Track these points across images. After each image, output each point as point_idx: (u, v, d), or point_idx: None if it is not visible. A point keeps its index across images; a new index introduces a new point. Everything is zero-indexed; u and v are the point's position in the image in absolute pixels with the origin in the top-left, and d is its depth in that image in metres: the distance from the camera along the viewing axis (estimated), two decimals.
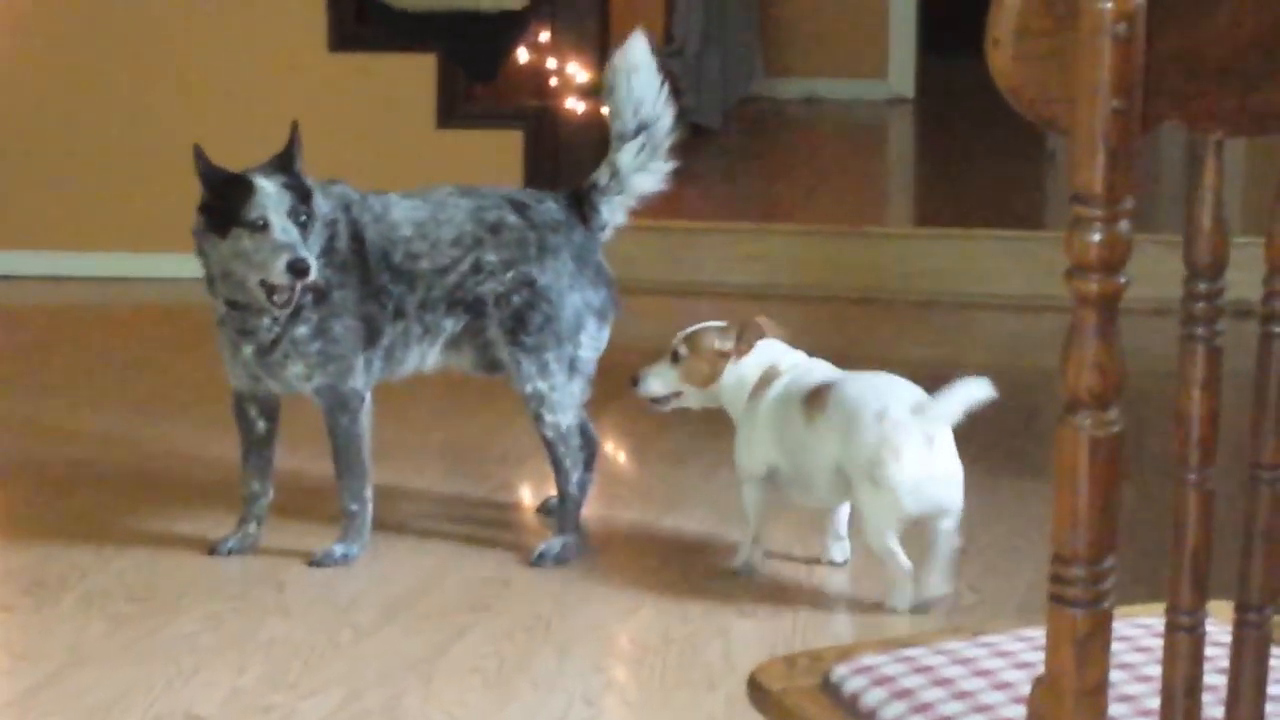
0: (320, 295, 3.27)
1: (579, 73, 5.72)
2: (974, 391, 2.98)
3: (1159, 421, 3.90)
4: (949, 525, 3.09)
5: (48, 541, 3.51)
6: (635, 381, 3.32)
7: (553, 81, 5.74)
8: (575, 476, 3.38)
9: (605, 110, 3.41)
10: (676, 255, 5.48)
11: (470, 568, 3.35)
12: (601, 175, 3.38)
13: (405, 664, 2.95)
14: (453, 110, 5.62)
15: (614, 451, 4.06)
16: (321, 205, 3.27)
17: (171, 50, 5.65)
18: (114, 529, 3.57)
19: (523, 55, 5.80)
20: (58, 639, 3.06)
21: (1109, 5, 1.14)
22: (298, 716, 2.77)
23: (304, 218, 3.21)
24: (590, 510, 3.50)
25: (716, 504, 3.73)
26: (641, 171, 3.37)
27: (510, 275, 3.33)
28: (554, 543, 3.37)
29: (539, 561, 3.34)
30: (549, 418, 3.35)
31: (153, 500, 3.73)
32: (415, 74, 5.59)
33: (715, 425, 3.91)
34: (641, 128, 3.34)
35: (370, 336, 3.32)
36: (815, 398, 3.14)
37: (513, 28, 5.76)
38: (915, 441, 2.99)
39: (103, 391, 4.56)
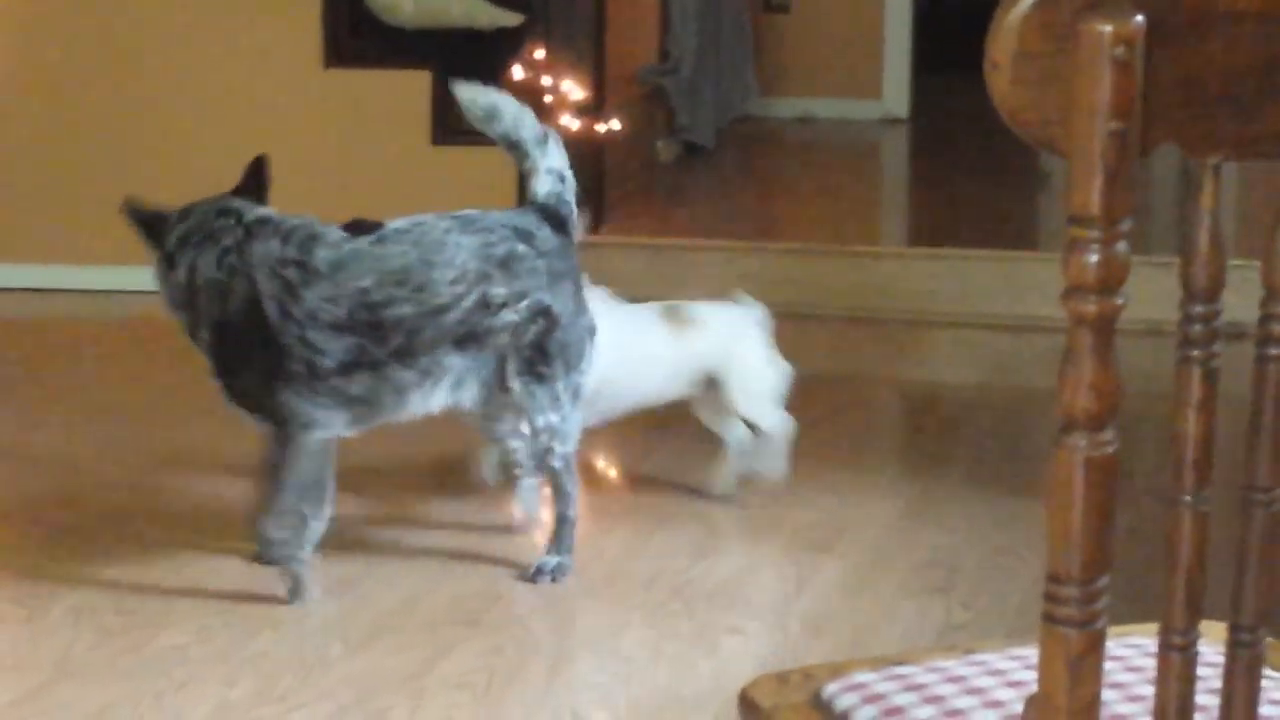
0: (215, 348, 3.26)
1: (574, 90, 5.73)
2: None
3: (1152, 442, 3.91)
4: None
5: (38, 553, 3.51)
6: None
7: (547, 99, 5.75)
8: (574, 498, 3.36)
9: (500, 141, 3.38)
10: (669, 273, 5.48)
11: (460, 583, 3.35)
12: (552, 184, 3.35)
13: (394, 679, 2.94)
14: (447, 127, 5.62)
15: (605, 468, 4.06)
16: (204, 267, 3.25)
17: (165, 65, 5.65)
18: (104, 540, 3.56)
19: (518, 73, 5.81)
20: (46, 650, 3.05)
21: (1108, 28, 1.15)
22: None
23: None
24: (580, 526, 3.50)
25: (706, 521, 3.73)
26: (564, 158, 3.38)
27: (524, 305, 3.28)
28: (549, 559, 3.36)
29: (535, 577, 3.33)
30: (559, 448, 3.33)
31: (143, 512, 3.72)
32: (410, 91, 5.59)
33: (704, 444, 3.92)
34: (545, 135, 3.36)
35: (287, 378, 3.22)
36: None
37: (508, 45, 5.76)
38: None
39: (95, 404, 4.56)
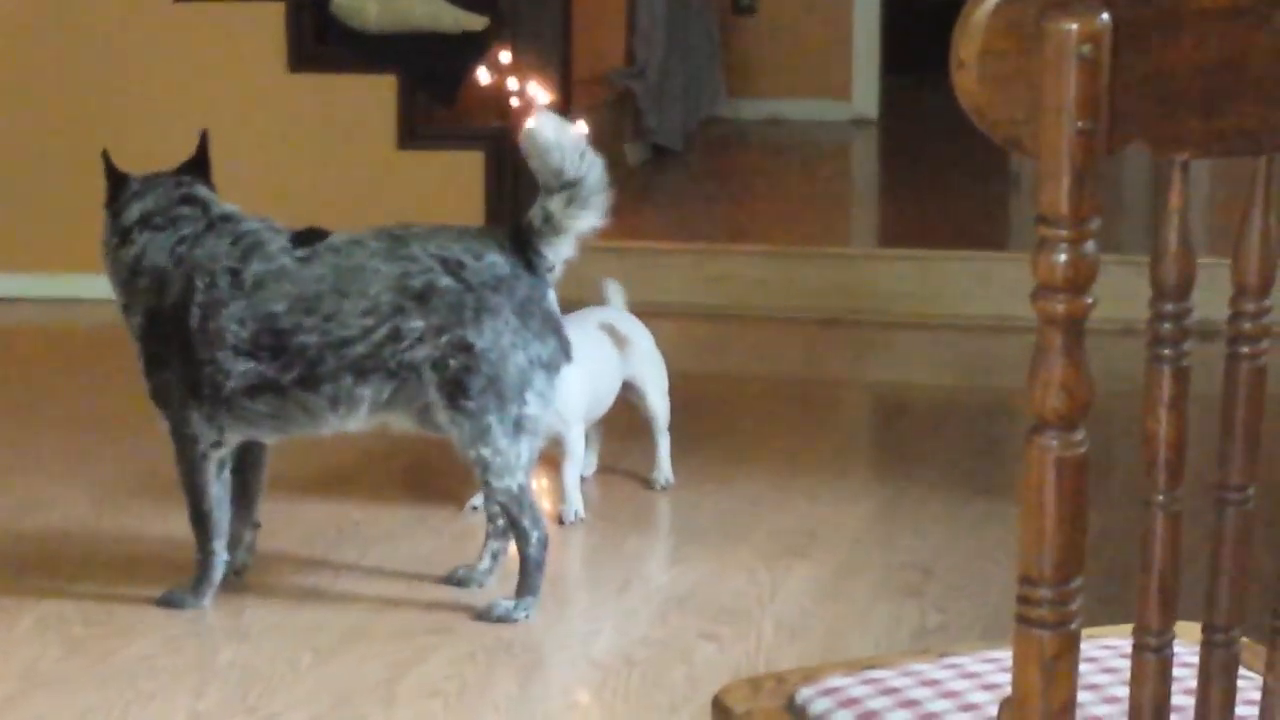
0: (142, 337, 3.25)
1: (540, 93, 5.71)
2: None
3: (1125, 442, 3.91)
4: None
5: (2, 565, 3.48)
6: None
7: (514, 102, 5.74)
8: (535, 536, 3.18)
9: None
10: (639, 276, 5.47)
11: (432, 591, 3.33)
12: (536, 218, 3.16)
13: (366, 687, 2.93)
14: (413, 131, 5.61)
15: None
16: (154, 252, 3.24)
17: (130, 71, 5.63)
18: (71, 551, 3.54)
19: (484, 76, 5.80)
20: (15, 662, 3.03)
21: (1074, 26, 1.14)
22: None
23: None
24: (552, 531, 3.48)
25: (680, 526, 3.73)
26: (574, 219, 3.17)
27: (444, 340, 3.13)
28: (500, 604, 3.19)
29: (481, 616, 3.18)
30: (496, 483, 3.16)
31: (110, 522, 3.70)
32: (375, 95, 5.58)
33: (679, 444, 3.91)
34: (567, 185, 3.14)
35: (197, 396, 3.20)
36: None
37: (473, 49, 5.76)
38: None
39: (60, 414, 4.53)
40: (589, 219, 3.18)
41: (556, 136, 3.15)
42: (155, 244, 3.25)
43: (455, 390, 3.13)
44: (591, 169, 3.16)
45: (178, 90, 5.60)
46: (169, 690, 2.91)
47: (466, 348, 3.13)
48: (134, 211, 3.28)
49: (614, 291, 3.99)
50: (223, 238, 3.23)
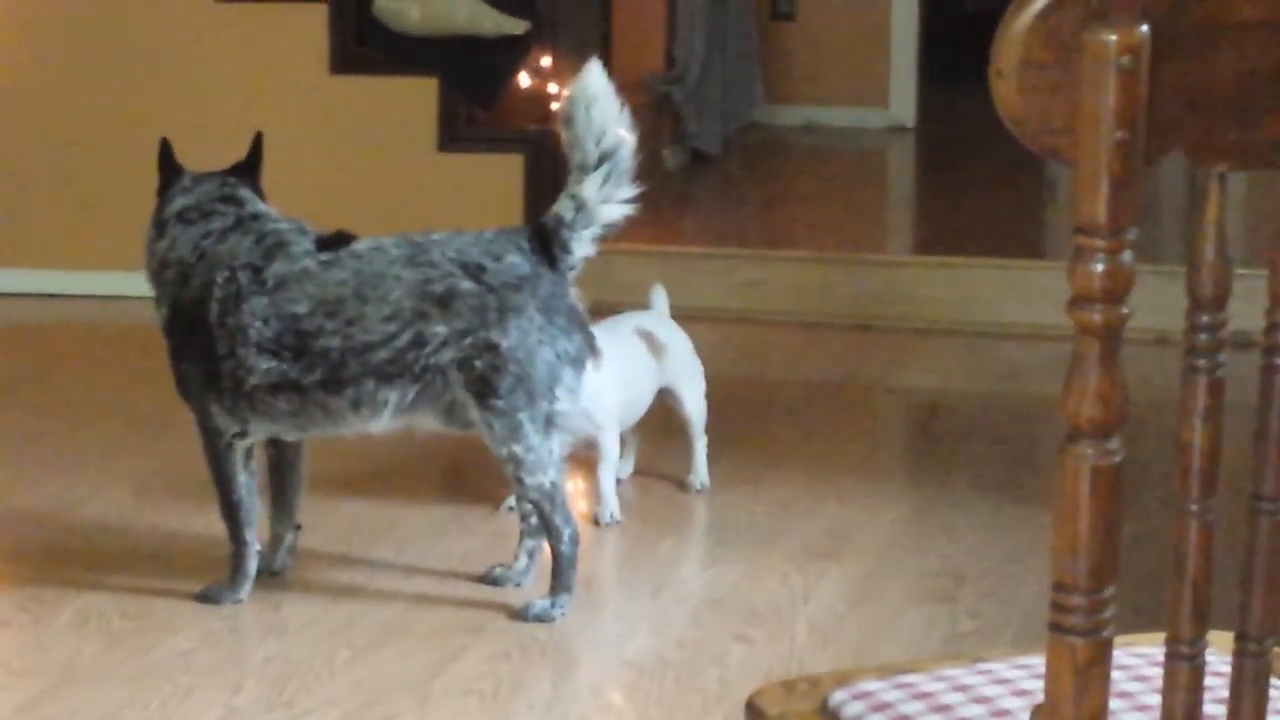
0: (167, 328, 3.30)
1: None
2: None
3: (1160, 451, 3.91)
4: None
5: (43, 558, 3.51)
6: None
7: (554, 106, 5.76)
8: (566, 533, 3.20)
9: (565, 141, 3.18)
10: (675, 281, 5.47)
11: (467, 589, 3.35)
12: (566, 209, 3.17)
13: (401, 685, 2.95)
14: (454, 134, 5.63)
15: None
16: (181, 245, 3.29)
17: (172, 71, 5.66)
18: (110, 545, 3.57)
19: (524, 80, 5.82)
20: (53, 655, 3.06)
21: (1113, 38, 1.15)
22: None
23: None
24: (587, 534, 3.50)
25: (714, 529, 3.74)
26: (608, 202, 3.18)
27: (468, 342, 3.15)
28: (543, 603, 3.21)
29: (520, 615, 3.20)
30: (529, 480, 3.17)
31: (149, 517, 3.73)
32: (416, 97, 5.59)
33: (714, 448, 3.92)
34: (604, 157, 3.15)
35: (217, 389, 3.24)
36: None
37: (514, 52, 5.77)
38: None
39: (101, 409, 4.56)
40: (620, 202, 3.18)
41: (606, 88, 3.16)
42: (184, 238, 3.30)
43: (484, 389, 3.15)
44: (627, 140, 3.16)
45: (220, 91, 5.63)
46: (206, 685, 2.94)
47: (492, 348, 3.15)
48: (175, 205, 3.34)
49: (659, 297, 4.00)
50: (247, 235, 3.26)
